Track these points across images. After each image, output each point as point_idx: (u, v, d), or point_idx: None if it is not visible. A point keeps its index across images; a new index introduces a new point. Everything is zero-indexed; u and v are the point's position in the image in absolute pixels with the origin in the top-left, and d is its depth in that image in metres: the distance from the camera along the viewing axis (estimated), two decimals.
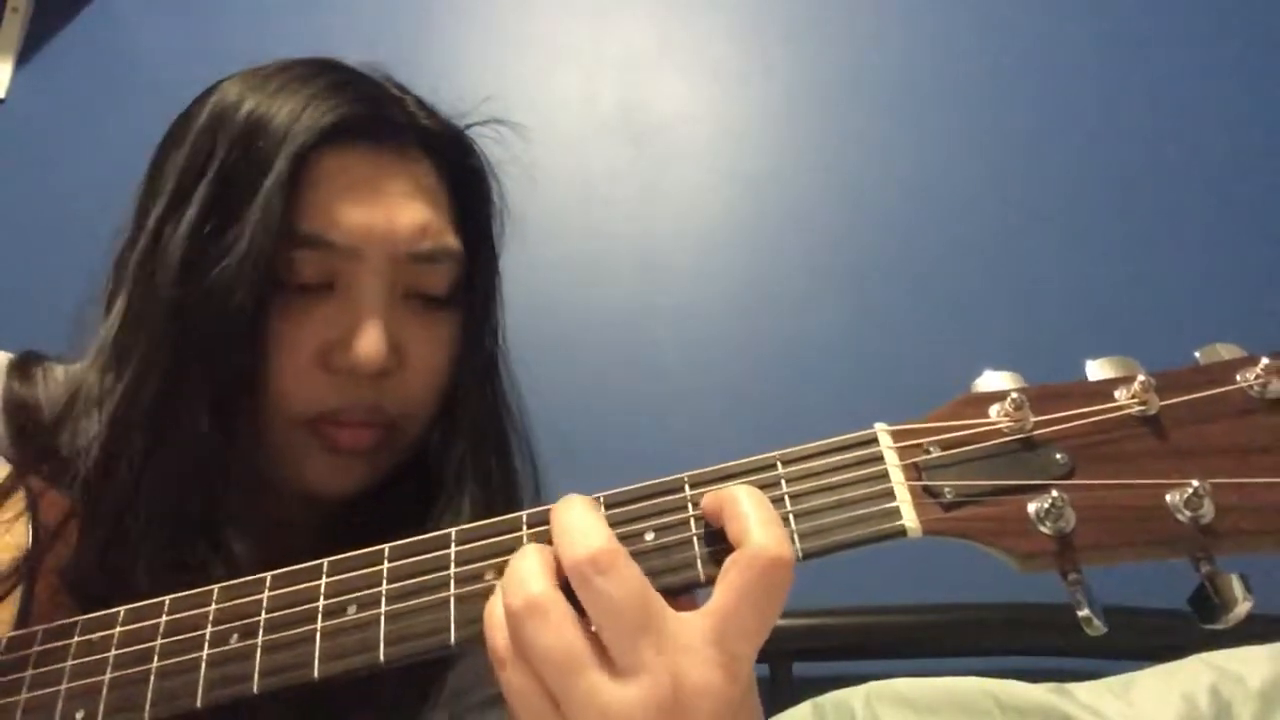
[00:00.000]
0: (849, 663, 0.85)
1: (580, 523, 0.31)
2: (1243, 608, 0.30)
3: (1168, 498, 0.30)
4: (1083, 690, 0.75)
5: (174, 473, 0.46)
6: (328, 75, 0.51)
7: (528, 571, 0.31)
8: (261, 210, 0.46)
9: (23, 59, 1.16)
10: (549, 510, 0.34)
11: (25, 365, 0.53)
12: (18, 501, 0.48)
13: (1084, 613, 0.30)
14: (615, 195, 1.10)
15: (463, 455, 0.52)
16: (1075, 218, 1.05)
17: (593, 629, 0.30)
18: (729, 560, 0.31)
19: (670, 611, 0.30)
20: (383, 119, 0.51)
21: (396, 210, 0.49)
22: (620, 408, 0.98)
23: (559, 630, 0.30)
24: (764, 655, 0.85)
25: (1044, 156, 1.08)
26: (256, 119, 0.48)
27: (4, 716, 0.39)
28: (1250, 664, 0.74)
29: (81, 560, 0.47)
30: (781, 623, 0.89)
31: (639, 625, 0.29)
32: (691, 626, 0.30)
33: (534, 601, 0.30)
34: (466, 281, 0.54)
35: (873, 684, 0.76)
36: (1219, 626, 0.30)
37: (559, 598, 0.30)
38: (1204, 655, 0.76)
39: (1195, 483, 0.30)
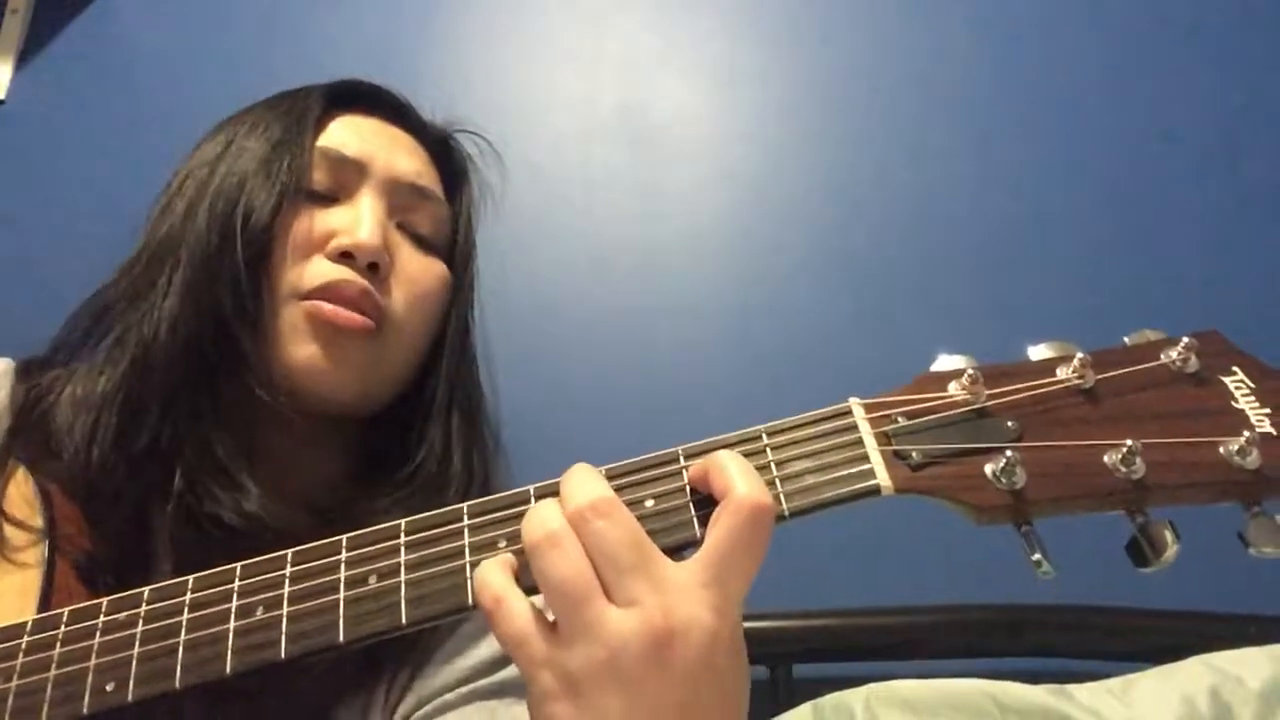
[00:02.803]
0: (848, 664, 0.88)
1: (582, 481, 0.38)
2: (1172, 551, 0.37)
3: (1105, 457, 0.38)
4: (1082, 692, 0.78)
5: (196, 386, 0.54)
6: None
7: (547, 513, 0.38)
8: (292, 123, 0.60)
9: (23, 59, 1.20)
10: (555, 482, 0.42)
11: (29, 370, 0.61)
12: (26, 483, 0.54)
13: (1036, 556, 0.38)
14: (615, 196, 1.13)
15: (443, 399, 0.63)
16: (1075, 218, 1.09)
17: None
18: (716, 511, 0.37)
19: (664, 557, 0.37)
20: (387, 93, 0.67)
21: (400, 151, 0.64)
22: (620, 408, 1.02)
23: (574, 559, 0.36)
24: (764, 656, 0.92)
25: (1043, 157, 1.12)
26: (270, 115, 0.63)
27: (34, 691, 0.43)
28: (1250, 666, 0.77)
29: (95, 550, 0.53)
30: (781, 624, 0.96)
31: (633, 564, 0.36)
32: (684, 569, 0.37)
33: (553, 534, 0.36)
34: (448, 248, 0.66)
35: (872, 686, 0.79)
36: (1151, 570, 0.38)
37: (573, 534, 0.37)
38: (1204, 656, 0.79)
39: (1129, 443, 0.37)
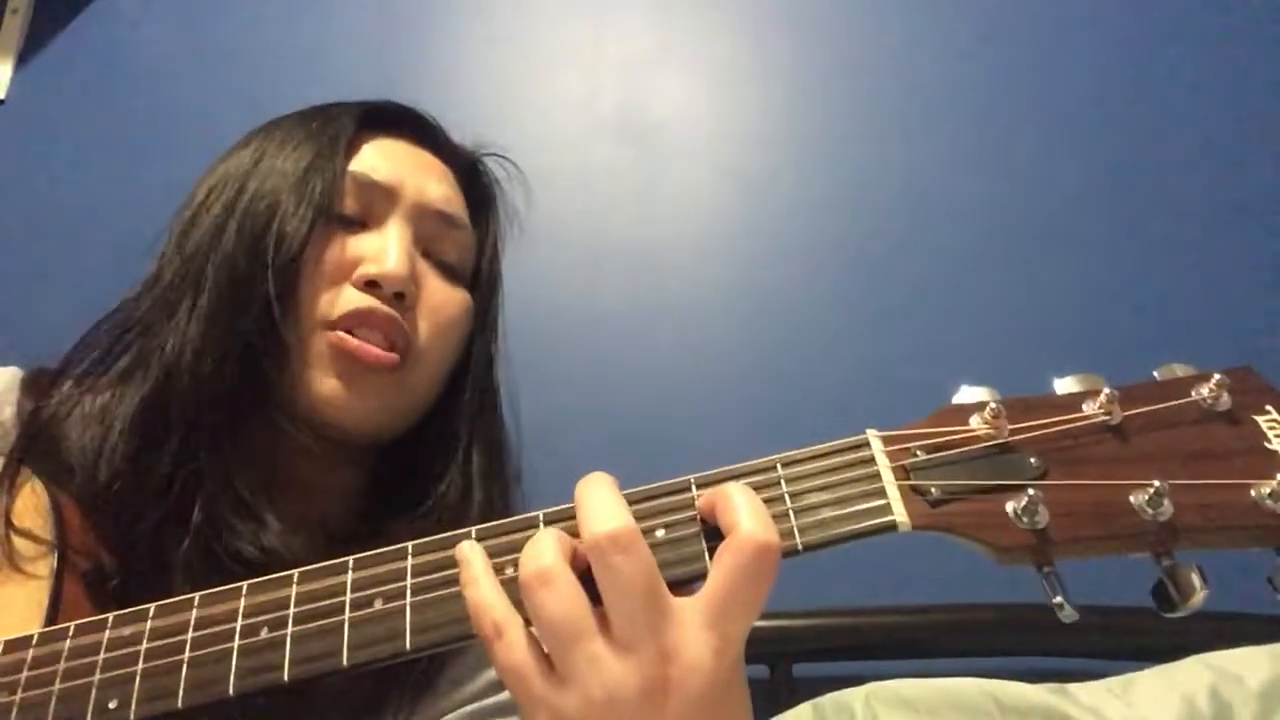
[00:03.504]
0: (848, 663, 0.88)
1: (606, 502, 0.36)
2: (1199, 597, 0.35)
3: (1132, 498, 0.36)
4: (1083, 691, 0.77)
5: (220, 407, 0.53)
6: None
7: (542, 546, 0.36)
8: (323, 145, 0.58)
9: (23, 59, 1.18)
10: (566, 508, 0.39)
11: (38, 382, 0.59)
12: (38, 495, 0.53)
13: (1058, 599, 0.36)
14: (615, 195, 1.12)
15: (465, 433, 0.61)
16: (1074, 216, 1.08)
17: (601, 604, 0.35)
18: (720, 548, 0.36)
19: (671, 598, 0.35)
20: (418, 115, 0.65)
21: (429, 178, 0.62)
22: (620, 408, 1.01)
23: (566, 598, 0.35)
24: (764, 656, 0.90)
25: (1043, 157, 1.11)
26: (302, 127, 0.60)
27: (38, 706, 0.42)
28: (1250, 665, 0.76)
29: (105, 563, 0.52)
30: (781, 623, 0.95)
31: (645, 604, 0.34)
32: (688, 609, 0.35)
33: (544, 571, 0.35)
34: (473, 276, 0.64)
35: (872, 685, 0.78)
36: (1179, 614, 0.36)
37: (567, 570, 0.35)
38: (1204, 656, 0.78)
39: (1156, 484, 0.35)
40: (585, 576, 0.36)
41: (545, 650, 0.36)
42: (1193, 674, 0.77)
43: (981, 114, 1.14)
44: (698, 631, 0.35)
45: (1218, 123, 1.11)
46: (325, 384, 0.55)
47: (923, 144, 1.13)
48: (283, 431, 0.54)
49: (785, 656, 0.89)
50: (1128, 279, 1.05)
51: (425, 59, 1.18)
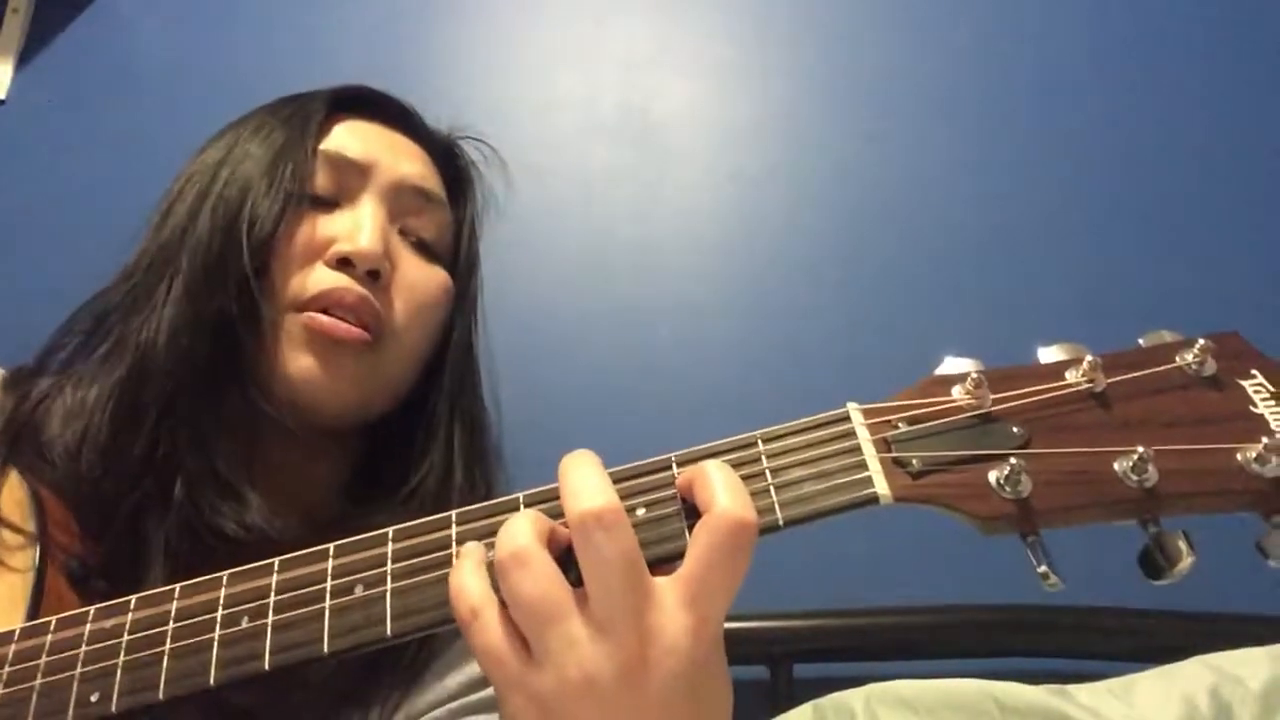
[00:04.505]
0: (849, 664, 0.86)
1: (590, 479, 0.35)
2: (1186, 563, 0.34)
3: (1116, 464, 0.35)
4: (1083, 692, 0.75)
5: (195, 397, 0.52)
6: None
7: (517, 528, 0.35)
8: (295, 128, 0.57)
9: (23, 59, 1.18)
10: (546, 489, 0.39)
11: (17, 379, 0.58)
12: (19, 487, 0.52)
13: (1042, 569, 0.35)
14: (615, 195, 1.11)
15: (444, 414, 0.60)
16: (1075, 217, 1.07)
17: (581, 583, 0.34)
18: (697, 526, 0.35)
19: (651, 579, 0.34)
20: (390, 99, 0.64)
21: (403, 156, 0.61)
22: (620, 407, 0.99)
23: (542, 579, 0.33)
24: (764, 656, 0.89)
25: (1043, 156, 1.10)
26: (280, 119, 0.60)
27: (19, 702, 0.41)
28: (1251, 666, 0.75)
29: (87, 555, 0.51)
30: (781, 624, 0.93)
31: (625, 584, 0.33)
32: (666, 589, 0.34)
33: (519, 552, 0.34)
34: (451, 256, 0.63)
35: (873, 686, 0.76)
36: (1165, 582, 0.35)
37: (542, 551, 0.34)
38: (1204, 657, 0.77)
39: (1140, 450, 0.34)
40: (562, 559, 0.35)
41: (522, 633, 0.35)
42: (1193, 675, 0.76)
43: (980, 112, 1.13)
44: (675, 612, 0.34)
45: (1218, 122, 1.11)
46: (298, 363, 0.54)
47: (923, 142, 1.11)
48: (262, 413, 0.53)
49: (785, 657, 0.87)
50: (1130, 275, 1.04)
51: (426, 59, 1.17)
